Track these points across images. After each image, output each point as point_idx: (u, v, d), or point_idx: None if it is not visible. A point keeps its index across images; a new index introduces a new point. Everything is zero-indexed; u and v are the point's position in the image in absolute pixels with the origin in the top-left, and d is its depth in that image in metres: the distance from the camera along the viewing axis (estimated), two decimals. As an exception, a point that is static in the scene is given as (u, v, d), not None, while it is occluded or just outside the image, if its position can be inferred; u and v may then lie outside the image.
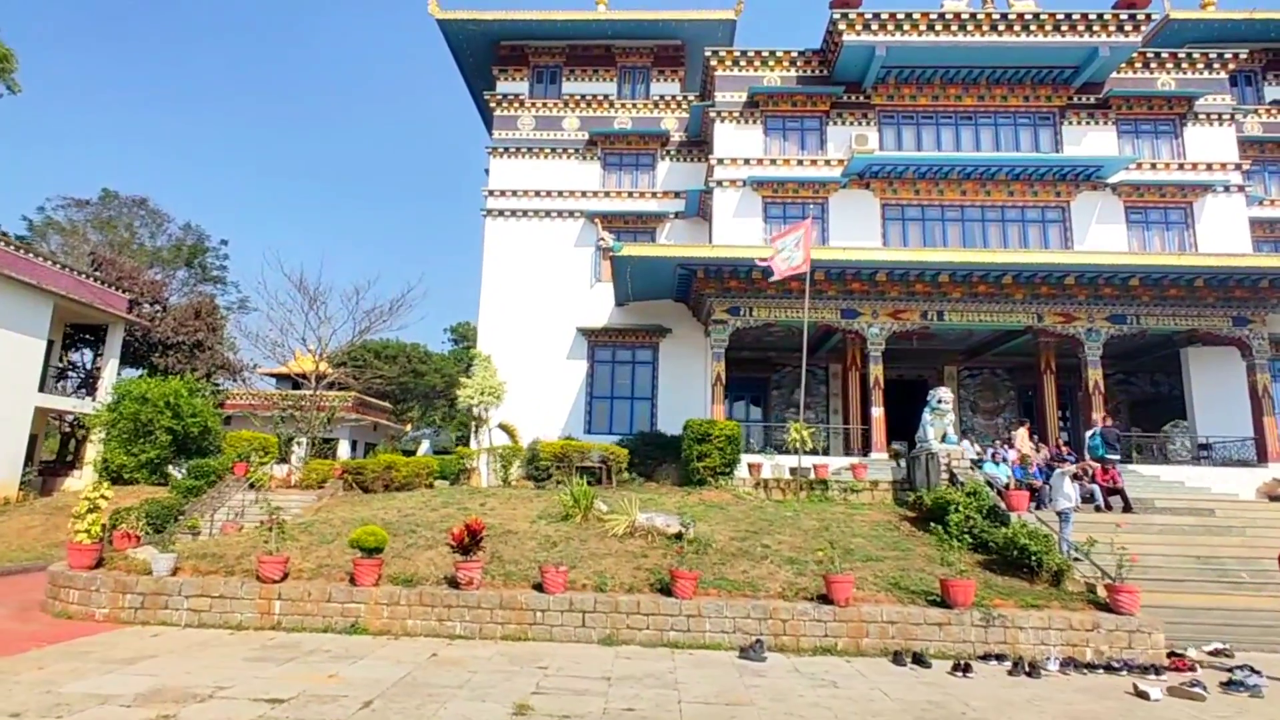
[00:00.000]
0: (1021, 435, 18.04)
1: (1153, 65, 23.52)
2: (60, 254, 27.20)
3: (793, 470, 16.66)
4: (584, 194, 26.41)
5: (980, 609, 9.15)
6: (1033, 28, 22.00)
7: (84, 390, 25.45)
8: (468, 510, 13.90)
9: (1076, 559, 10.95)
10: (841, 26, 22.38)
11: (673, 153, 26.76)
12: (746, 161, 23.90)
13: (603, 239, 20.49)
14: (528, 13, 26.30)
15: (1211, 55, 23.20)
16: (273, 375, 38.61)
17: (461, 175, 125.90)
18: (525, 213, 26.45)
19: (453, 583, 9.86)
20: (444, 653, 8.48)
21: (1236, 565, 12.27)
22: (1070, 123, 23.53)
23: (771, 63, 24.45)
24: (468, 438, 57.65)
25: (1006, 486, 14.06)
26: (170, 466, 22.47)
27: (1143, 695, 7.37)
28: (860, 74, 23.61)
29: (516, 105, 27.22)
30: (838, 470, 17.31)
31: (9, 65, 23.39)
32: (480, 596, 9.45)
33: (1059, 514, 12.01)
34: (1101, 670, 8.45)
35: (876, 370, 20.34)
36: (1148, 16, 21.68)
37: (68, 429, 28.03)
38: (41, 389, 23.10)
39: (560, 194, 26.44)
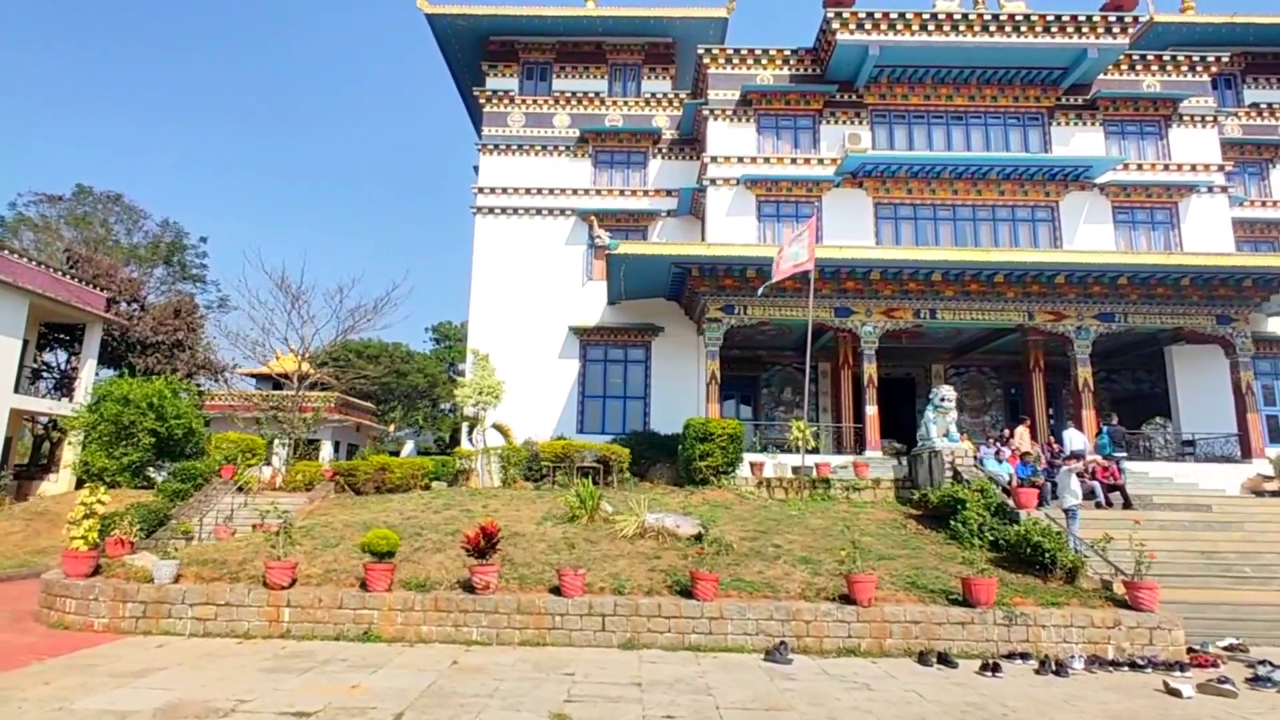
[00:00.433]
0: (1022, 433, 18.14)
1: (1138, 67, 23.85)
2: (34, 251, 26.33)
3: (795, 469, 16.62)
4: (575, 192, 26.17)
5: (1002, 608, 9.14)
6: (1023, 29, 22.19)
7: (60, 391, 24.69)
8: (470, 512, 13.67)
9: (1084, 556, 11.00)
10: (835, 25, 22.40)
11: (664, 151, 26.62)
12: (740, 160, 23.84)
13: (599, 236, 20.29)
14: (518, 8, 26.01)
15: (1195, 58, 23.59)
16: (253, 375, 37.86)
17: (445, 174, 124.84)
18: (516, 210, 26.16)
19: (467, 587, 9.64)
20: (464, 659, 8.27)
21: (1239, 560, 12.43)
22: (1059, 123, 23.79)
23: (764, 61, 24.40)
24: (450, 438, 57.10)
25: (1009, 484, 14.11)
26: (150, 469, 21.92)
27: (1174, 693, 7.39)
28: (853, 73, 23.66)
29: (506, 102, 26.90)
30: (836, 469, 17.32)
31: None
32: (497, 601, 9.24)
33: (1066, 511, 12.07)
34: (1126, 668, 8.48)
35: (870, 368, 20.40)
36: (1135, 19, 21.98)
37: (41, 431, 27.21)
38: (16, 390, 22.36)
39: (551, 191, 26.18)
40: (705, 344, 20.67)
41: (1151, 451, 22.30)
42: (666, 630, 9.08)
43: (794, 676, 7.89)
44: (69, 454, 23.37)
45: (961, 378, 26.30)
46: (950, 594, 9.67)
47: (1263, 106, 25.83)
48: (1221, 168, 23.29)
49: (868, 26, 22.42)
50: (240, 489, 18.95)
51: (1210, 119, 23.59)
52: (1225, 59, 23.83)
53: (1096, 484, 14.45)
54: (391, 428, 43.54)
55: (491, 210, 26.21)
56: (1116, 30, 21.98)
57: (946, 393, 15.24)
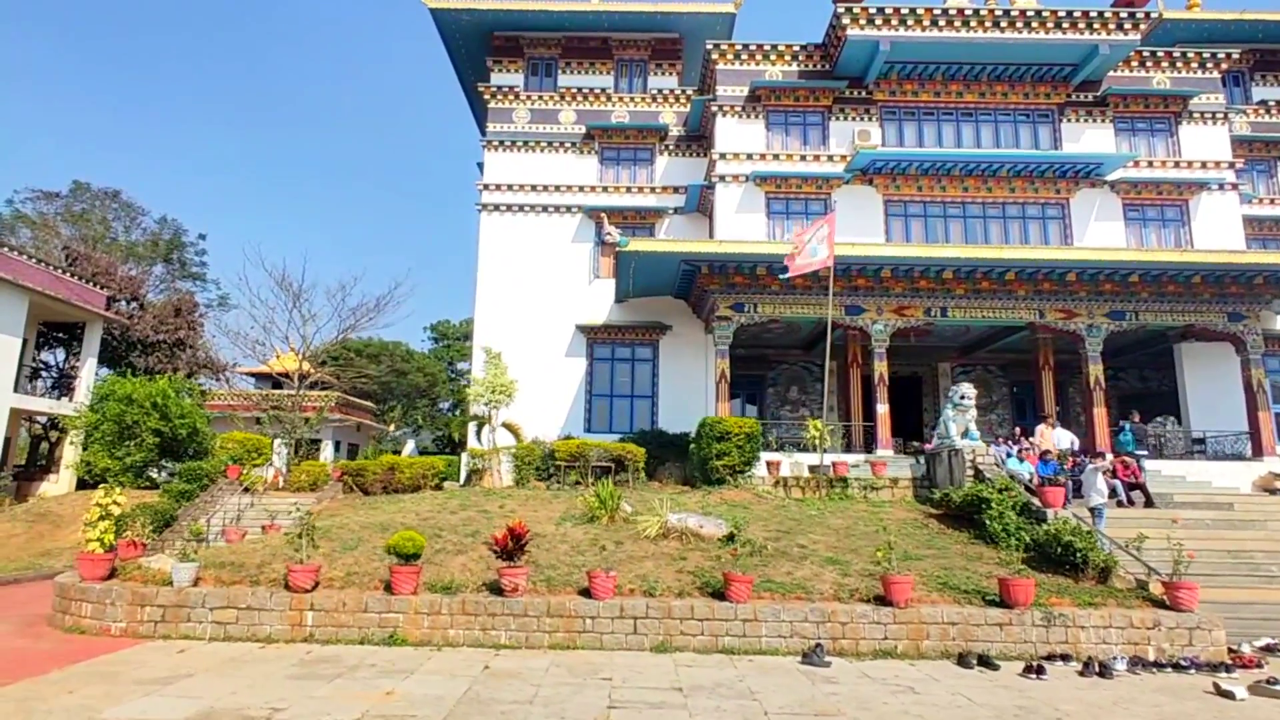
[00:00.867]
0: (1044, 431, 18.02)
1: (1148, 64, 23.76)
2: (31, 248, 25.97)
3: (812, 468, 16.46)
4: (581, 188, 25.95)
5: (1040, 608, 8.99)
6: (1034, 24, 22.07)
7: (59, 391, 24.35)
8: (487, 513, 13.47)
9: (1114, 555, 10.85)
10: (845, 21, 22.22)
11: (671, 147, 26.43)
12: (749, 156, 23.65)
13: (609, 234, 20.10)
14: (523, 3, 25.77)
15: (1205, 55, 23.51)
16: (252, 375, 37.55)
17: (445, 172, 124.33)
18: (521, 207, 25.93)
19: (495, 589, 9.43)
20: (496, 664, 8.06)
21: (1265, 559, 12.33)
22: (1069, 120, 23.68)
23: (773, 57, 24.21)
24: (449, 437, 56.77)
25: (1031, 483, 13.98)
26: (151, 470, 21.62)
27: (1226, 695, 7.25)
28: (862, 69, 23.50)
29: (512, 98, 26.67)
30: (851, 468, 17.16)
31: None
32: (526, 604, 9.03)
33: (1092, 510, 11.93)
34: (1170, 669, 8.35)
35: (881, 367, 20.29)
36: (1146, 15, 21.87)
37: (39, 431, 26.87)
38: (15, 389, 22.04)
39: (557, 188, 25.96)
40: (715, 342, 20.50)
41: (1161, 449, 22.25)
42: (699, 633, 8.90)
43: (835, 680, 7.72)
44: (69, 454, 23.06)
45: (968, 376, 26.13)
46: (985, 594, 9.52)
47: (1271, 103, 25.82)
48: (1232, 165, 23.23)
49: (878, 22, 22.26)
50: (246, 490, 18.71)
51: (1221, 116, 23.52)
52: (1235, 56, 23.75)
53: (1118, 482, 14.33)
54: (392, 427, 43.23)
55: (497, 207, 25.98)
56: (1128, 26, 21.87)
57: (967, 390, 15.10)
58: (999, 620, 8.86)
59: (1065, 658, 8.46)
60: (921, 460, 16.91)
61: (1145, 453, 16.38)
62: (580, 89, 26.63)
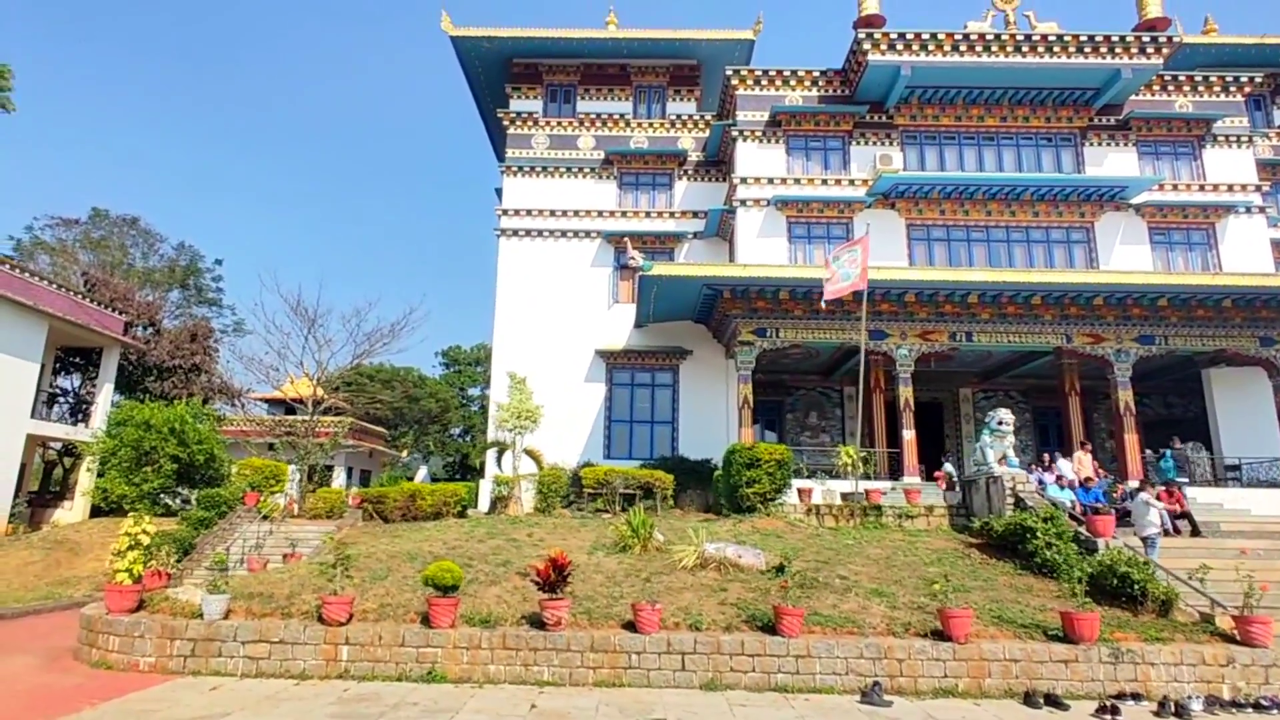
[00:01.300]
0: (1081, 458, 17.62)
1: (1170, 88, 23.71)
2: (50, 274, 26.00)
3: (845, 495, 16.10)
4: (600, 213, 25.94)
5: (1106, 644, 8.60)
6: (1056, 49, 22.06)
7: (75, 416, 24.19)
8: (516, 542, 13.16)
9: (1174, 587, 10.45)
10: (866, 46, 22.27)
11: (690, 173, 26.43)
12: (770, 181, 23.60)
13: (633, 258, 19.94)
14: (542, 30, 25.96)
15: (1228, 79, 23.45)
16: (265, 400, 37.41)
17: (458, 199, 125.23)
18: (540, 232, 25.91)
19: (535, 623, 9.08)
20: (542, 703, 7.71)
21: (1325, 591, 11.85)
22: (1091, 144, 23.58)
23: (793, 82, 24.27)
24: (460, 463, 56.25)
25: (1073, 511, 13.59)
26: (164, 496, 21.36)
27: (1318, 739, 6.87)
28: (883, 94, 23.52)
29: (531, 124, 26.77)
30: (850, 495, 16.75)
31: (4, 82, 22.37)
32: (569, 638, 8.67)
33: (1144, 539, 11.55)
34: (1250, 709, 7.93)
35: (907, 392, 20.02)
36: (1169, 39, 21.85)
37: (53, 457, 26.67)
38: (32, 415, 21.87)
39: (576, 214, 25.95)
40: (737, 367, 20.24)
41: (1191, 476, 21.81)
42: (750, 669, 8.52)
43: (901, 721, 7.36)
44: (84, 481, 22.83)
45: (990, 402, 25.86)
46: (1044, 629, 9.12)
47: (1293, 127, 25.69)
48: (1259, 188, 23.07)
49: (899, 47, 22.30)
50: (265, 518, 18.41)
51: (1245, 139, 23.40)
52: (1259, 79, 23.68)
53: (1163, 510, 13.91)
54: (404, 453, 42.93)
55: (515, 232, 25.95)
56: (1150, 51, 21.85)
57: (1004, 416, 14.76)
58: (1064, 657, 8.46)
59: (1136, 697, 8.05)
60: (957, 488, 16.52)
61: (1186, 480, 15.98)
62: (599, 115, 26.72)
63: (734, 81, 24.23)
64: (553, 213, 26.01)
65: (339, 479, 36.20)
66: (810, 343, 20.40)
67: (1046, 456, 20.78)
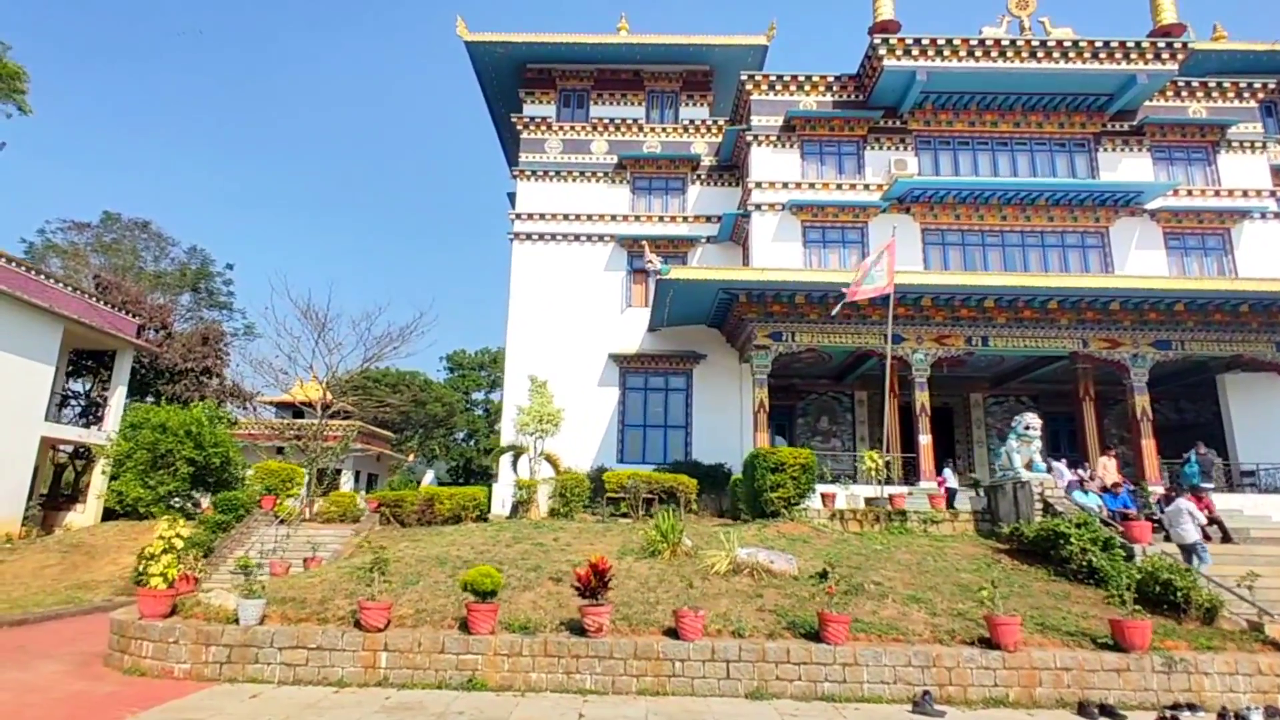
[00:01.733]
0: (1106, 464, 17.54)
1: (1184, 94, 23.72)
2: (62, 277, 25.89)
3: (868, 500, 16.02)
4: (614, 218, 25.90)
5: (1159, 653, 8.50)
6: (1071, 55, 22.06)
7: (87, 419, 24.06)
8: (543, 546, 13.05)
9: (1219, 595, 10.34)
10: (882, 51, 22.27)
11: (703, 177, 26.41)
12: (784, 185, 23.57)
13: (650, 261, 19.90)
14: (555, 36, 25.95)
15: (1242, 84, 23.47)
16: (273, 404, 37.29)
17: (465, 204, 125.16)
18: (554, 236, 25.86)
19: (575, 629, 8.98)
20: (589, 712, 7.61)
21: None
22: (1105, 149, 23.57)
23: (807, 87, 24.25)
24: (463, 467, 56.02)
25: (1102, 516, 13.49)
26: (176, 499, 21.22)
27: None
28: (898, 99, 23.50)
29: (544, 128, 26.74)
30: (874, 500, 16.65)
31: (19, 85, 22.33)
32: (612, 645, 8.57)
33: (1187, 547, 11.46)
34: (1309, 720, 7.84)
35: (923, 397, 19.97)
36: (1184, 45, 21.87)
37: (63, 460, 26.51)
38: (46, 418, 21.75)
39: (589, 218, 25.91)
40: (753, 371, 20.17)
41: (1217, 481, 21.71)
42: (796, 678, 8.41)
43: (955, 731, 7.26)
44: (97, 484, 22.69)
45: (1001, 407, 25.83)
46: (1092, 637, 9.03)
47: (1306, 133, 25.68)
48: (1274, 193, 23.06)
49: (915, 52, 22.29)
50: (282, 521, 18.30)
51: (1260, 145, 23.40)
52: (1272, 86, 23.68)
53: (1200, 517, 13.81)
54: (410, 457, 42.78)
55: (529, 236, 25.90)
56: (1166, 56, 21.86)
57: (1031, 421, 14.69)
58: (1116, 666, 8.35)
59: (1192, 707, 7.94)
60: (980, 493, 16.43)
61: (1211, 485, 15.90)
62: (612, 119, 26.69)
63: (748, 86, 24.21)
64: (566, 217, 25.97)
65: (346, 482, 36.04)
66: (826, 347, 20.35)
67: (1065, 462, 20.71)
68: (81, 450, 24.76)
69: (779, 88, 24.27)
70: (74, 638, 11.07)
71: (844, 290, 18.84)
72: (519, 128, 26.80)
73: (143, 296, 27.34)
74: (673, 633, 8.95)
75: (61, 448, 25.38)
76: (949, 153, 23.99)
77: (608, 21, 26.99)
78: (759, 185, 23.64)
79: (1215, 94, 23.65)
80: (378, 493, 21.22)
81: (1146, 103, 23.51)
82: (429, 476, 35.20)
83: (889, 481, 20.01)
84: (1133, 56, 21.97)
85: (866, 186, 23.53)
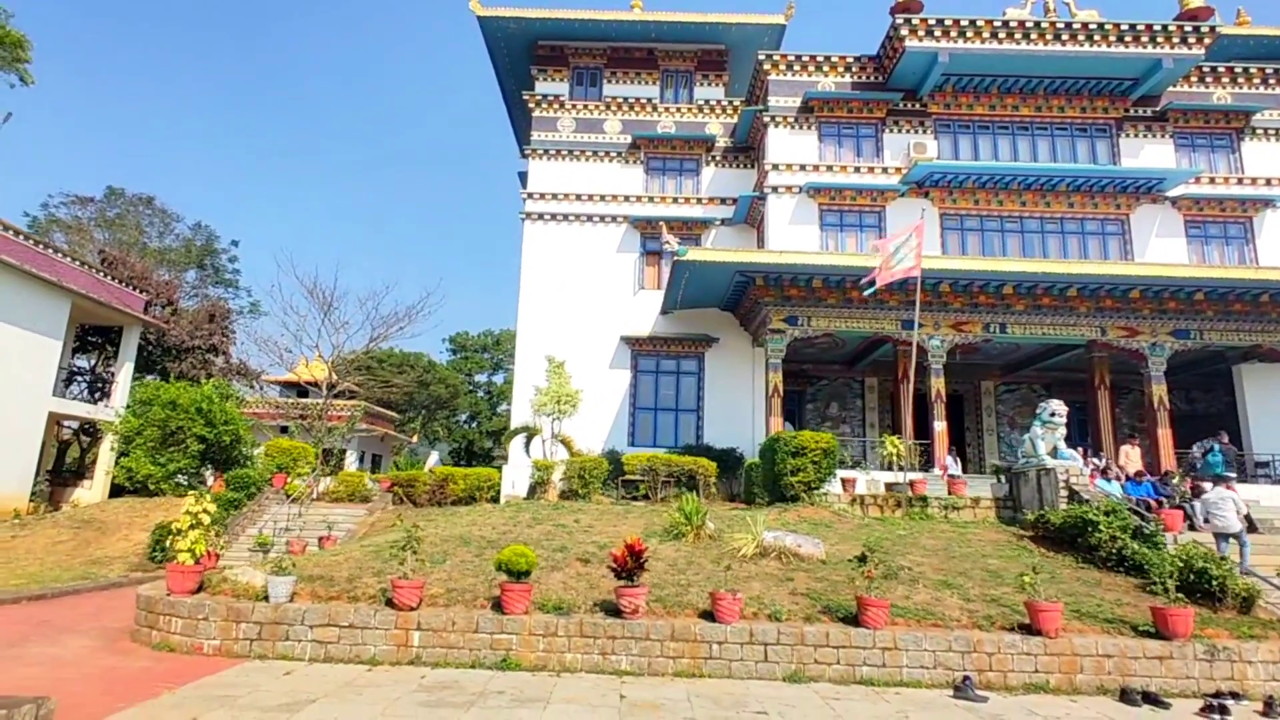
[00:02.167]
0: (1129, 452, 17.44)
1: (1208, 79, 23.42)
2: (67, 252, 25.61)
3: (889, 485, 15.92)
4: (627, 198, 25.61)
5: (1201, 641, 8.41)
6: (1096, 38, 21.72)
7: (94, 395, 23.87)
8: (564, 527, 12.94)
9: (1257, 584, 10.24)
10: (904, 32, 21.91)
11: (718, 158, 26.09)
12: (802, 167, 23.29)
13: (668, 242, 19.70)
14: (569, 12, 25.53)
15: (1268, 70, 23.17)
16: (277, 382, 37.13)
17: (472, 183, 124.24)
18: (566, 216, 25.58)
19: (609, 610, 8.86)
20: (630, 694, 7.50)
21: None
22: (1127, 135, 23.30)
23: (826, 68, 23.90)
24: (466, 449, 55.90)
25: (1142, 505, 13.39)
26: (181, 476, 21.10)
27: None
28: (918, 81, 23.19)
29: (556, 106, 26.39)
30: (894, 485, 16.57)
31: (22, 54, 21.88)
32: (648, 626, 8.46)
33: (1224, 535, 11.39)
34: (1356, 710, 7.75)
35: (939, 383, 19.87)
36: (1211, 30, 21.54)
37: (68, 437, 26.37)
38: (53, 393, 21.57)
39: (602, 198, 25.62)
40: (767, 355, 20.03)
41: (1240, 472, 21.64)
42: (835, 662, 8.31)
43: (1003, 718, 7.15)
44: (105, 459, 22.55)
45: (1012, 395, 25.74)
46: (1130, 624, 8.94)
47: (1328, 122, 25.40)
48: (1297, 182, 22.82)
49: (937, 33, 21.95)
50: (294, 500, 18.20)
51: (1285, 132, 23.13)
52: (1299, 72, 23.38)
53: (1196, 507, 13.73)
54: (415, 438, 42.69)
55: (540, 216, 25.63)
56: (1192, 40, 21.54)
57: (1057, 407, 14.55)
58: (1157, 653, 8.26)
59: (1235, 696, 7.85)
60: (1002, 479, 16.34)
61: (1234, 475, 15.80)
62: (625, 99, 26.33)
63: (766, 66, 23.86)
64: (578, 197, 25.68)
65: (351, 462, 35.95)
66: (842, 332, 20.19)
67: (1081, 450, 20.60)
68: (88, 426, 24.60)
69: (797, 68, 23.92)
70: (96, 613, 10.95)
71: (865, 274, 18.75)
72: (531, 105, 26.44)
73: (149, 272, 27.05)
74: (708, 615, 8.84)
75: (66, 424, 25.23)
76: (969, 136, 23.71)
77: (620, -2, 26.35)
78: (776, 167, 23.36)
79: (1241, 79, 23.35)
80: (390, 473, 21.12)
81: (1170, 88, 23.21)
82: (433, 458, 35.16)
83: (911, 468, 20.01)
84: (1159, 40, 21.64)
85: (885, 170, 23.26)
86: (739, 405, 23.71)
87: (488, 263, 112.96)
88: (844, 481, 15.98)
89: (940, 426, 19.77)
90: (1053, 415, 14.45)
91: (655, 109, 26.33)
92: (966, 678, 7.97)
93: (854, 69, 23.87)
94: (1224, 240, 22.79)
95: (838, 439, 22.83)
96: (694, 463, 17.12)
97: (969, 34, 21.94)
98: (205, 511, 9.46)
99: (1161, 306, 19.61)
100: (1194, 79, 23.37)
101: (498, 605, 8.87)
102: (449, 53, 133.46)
